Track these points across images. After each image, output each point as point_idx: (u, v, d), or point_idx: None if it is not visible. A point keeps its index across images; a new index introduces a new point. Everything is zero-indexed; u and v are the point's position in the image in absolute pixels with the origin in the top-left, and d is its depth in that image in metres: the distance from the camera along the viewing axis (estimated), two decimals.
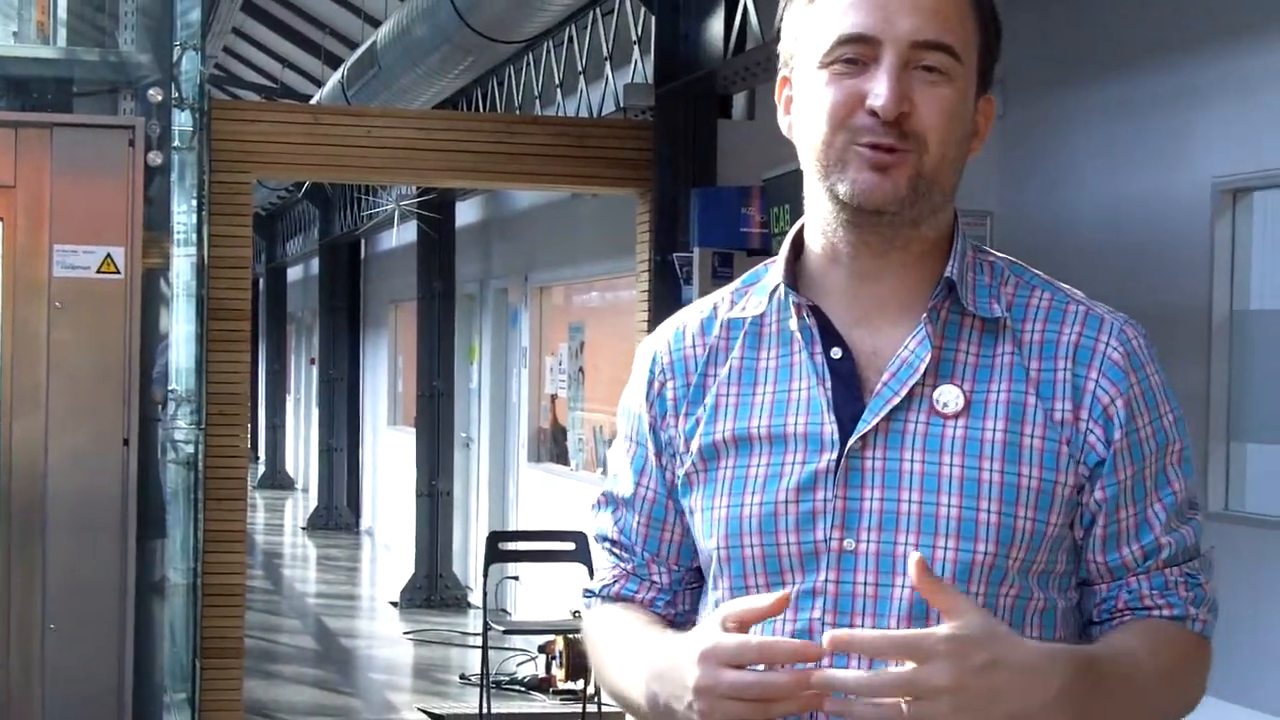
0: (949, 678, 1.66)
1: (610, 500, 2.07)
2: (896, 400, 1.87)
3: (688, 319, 2.05)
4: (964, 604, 1.71)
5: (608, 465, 2.11)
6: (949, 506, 1.85)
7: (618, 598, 2.06)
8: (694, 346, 2.01)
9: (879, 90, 1.84)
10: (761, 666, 1.74)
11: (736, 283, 2.05)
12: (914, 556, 1.72)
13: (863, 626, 1.84)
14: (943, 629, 1.69)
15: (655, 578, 2.04)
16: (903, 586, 1.84)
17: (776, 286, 1.97)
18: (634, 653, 1.92)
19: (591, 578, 2.12)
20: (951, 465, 1.86)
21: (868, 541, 1.86)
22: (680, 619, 2.03)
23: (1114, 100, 5.66)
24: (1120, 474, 1.88)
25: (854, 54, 1.86)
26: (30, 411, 5.38)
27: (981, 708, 1.67)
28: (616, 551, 2.06)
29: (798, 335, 1.93)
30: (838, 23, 1.87)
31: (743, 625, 1.76)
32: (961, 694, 1.67)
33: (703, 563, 2.00)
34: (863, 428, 1.87)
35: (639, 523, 2.04)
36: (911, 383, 1.88)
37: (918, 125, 1.85)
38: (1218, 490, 5.16)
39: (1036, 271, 1.98)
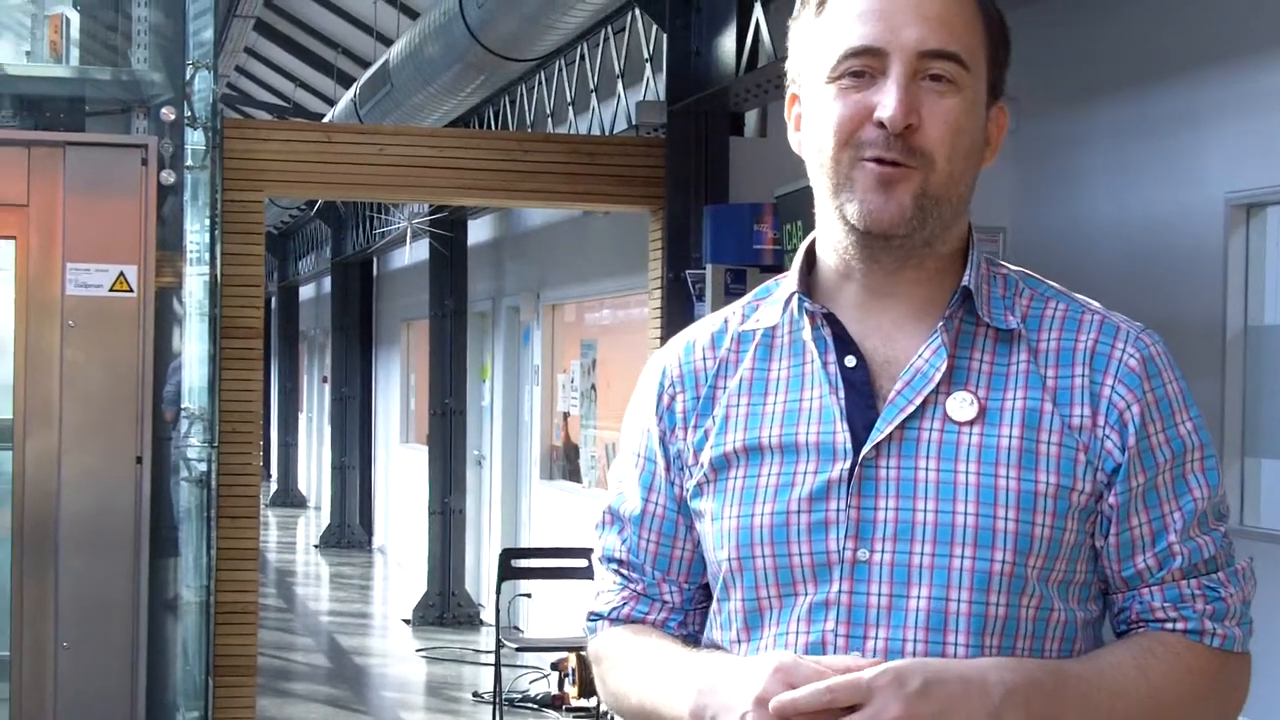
0: (898, 707, 1.70)
1: (616, 519, 2.05)
2: (911, 408, 1.86)
3: (697, 334, 2.04)
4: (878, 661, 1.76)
5: (610, 483, 2.09)
6: (965, 515, 1.83)
7: (628, 620, 2.03)
8: (704, 359, 2.00)
9: (887, 102, 1.83)
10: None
11: (748, 297, 2.05)
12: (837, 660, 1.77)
13: (877, 638, 1.83)
14: (873, 668, 1.73)
15: (666, 597, 2.02)
16: (919, 597, 1.83)
17: (790, 297, 1.96)
18: (674, 668, 1.90)
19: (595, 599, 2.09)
20: (967, 473, 1.84)
21: (882, 552, 1.84)
22: (692, 641, 2.01)
23: (1127, 116, 5.66)
24: (1132, 480, 1.87)
25: (861, 66, 1.86)
26: (43, 429, 5.39)
27: None
28: (625, 572, 2.04)
29: (811, 345, 1.93)
30: (844, 36, 1.87)
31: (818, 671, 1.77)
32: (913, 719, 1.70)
33: (711, 576, 1.98)
34: (876, 436, 1.86)
35: (648, 540, 2.02)
36: (926, 391, 1.87)
37: (924, 141, 1.84)
38: (1232, 506, 5.15)
39: (1051, 283, 1.98)
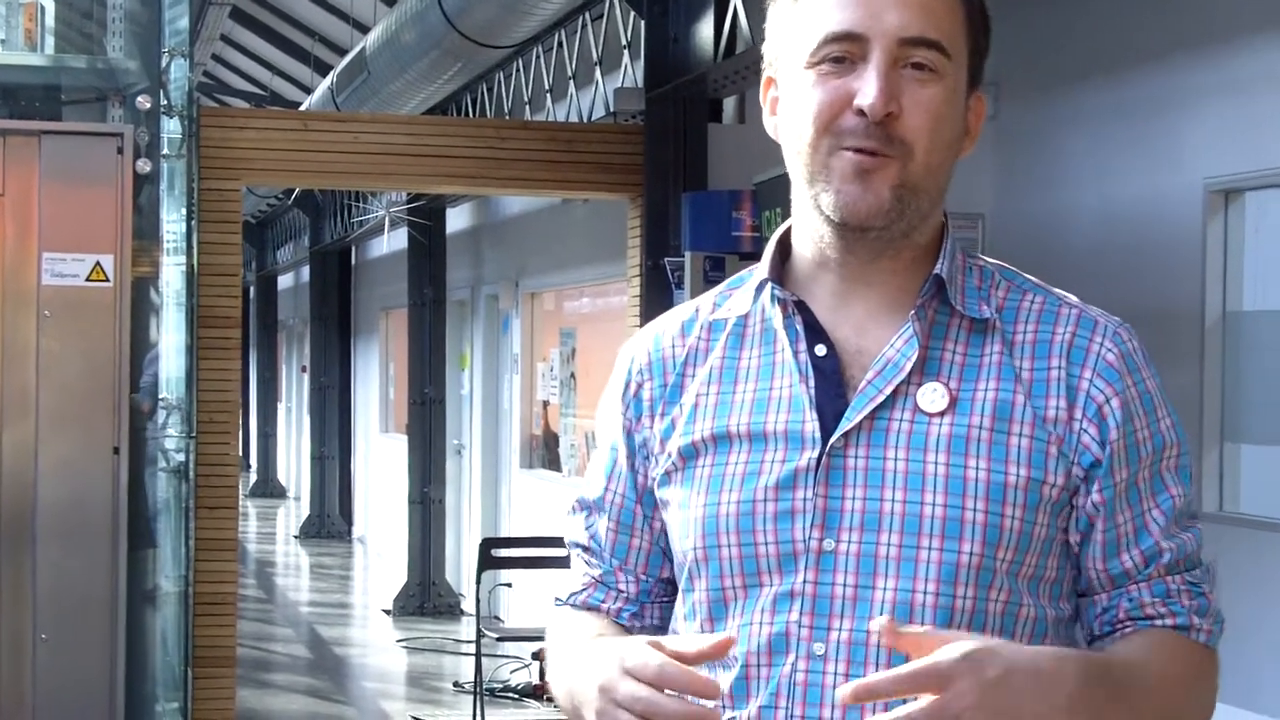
0: (974, 696, 1.63)
1: (583, 505, 2.04)
2: (881, 398, 1.84)
3: (667, 323, 2.02)
4: (953, 634, 1.68)
5: (587, 471, 2.09)
6: (934, 505, 1.81)
7: (585, 606, 2.02)
8: (673, 348, 1.98)
9: (867, 89, 1.80)
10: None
11: (721, 286, 2.02)
12: (880, 622, 1.67)
13: (841, 629, 1.81)
14: (952, 652, 1.65)
15: (622, 586, 2.01)
16: (884, 589, 1.81)
17: (762, 285, 1.94)
18: (573, 658, 1.89)
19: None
20: (936, 463, 1.82)
21: (848, 542, 1.82)
22: (647, 633, 1.98)
23: (1106, 102, 5.66)
24: (1116, 476, 1.85)
25: (841, 52, 1.83)
26: (20, 420, 5.37)
27: (1007, 717, 1.65)
28: (586, 557, 2.04)
29: (782, 333, 1.90)
30: (824, 21, 1.84)
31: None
32: (986, 710, 1.63)
33: (676, 566, 1.96)
34: (845, 425, 1.84)
35: (607, 528, 2.01)
36: (897, 381, 1.84)
37: (904, 131, 1.81)
38: (1212, 492, 5.15)
39: (1028, 276, 1.95)
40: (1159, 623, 1.86)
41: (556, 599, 2.07)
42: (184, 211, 5.68)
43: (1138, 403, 1.86)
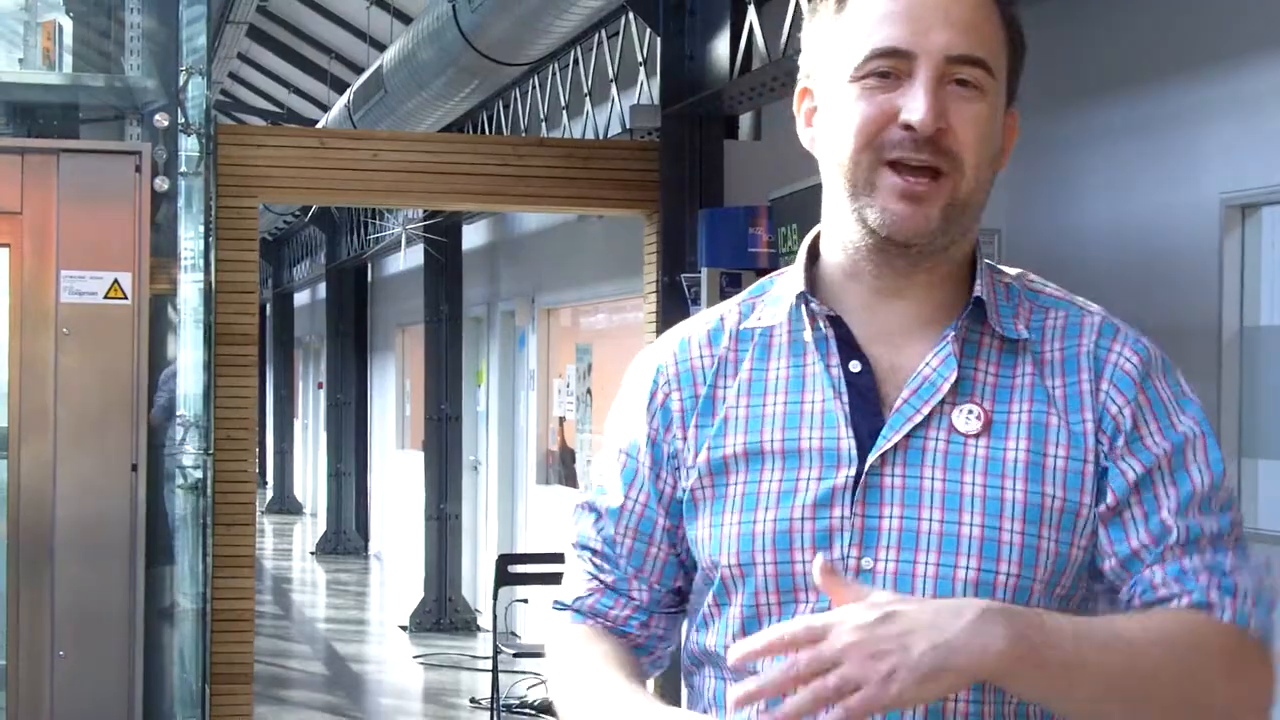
0: (852, 634, 1.61)
1: (593, 509, 2.02)
2: (918, 418, 1.84)
3: (693, 330, 2.01)
4: (865, 590, 1.68)
5: (592, 477, 2.05)
6: (971, 526, 1.81)
7: (592, 611, 2.01)
8: (701, 358, 1.97)
9: (915, 105, 1.80)
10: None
11: (743, 294, 2.01)
12: (818, 562, 1.69)
13: None
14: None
15: (634, 594, 1.99)
16: None
17: (797, 296, 1.93)
18: (606, 697, 1.88)
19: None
20: (974, 484, 1.82)
21: (886, 560, 1.82)
22: (651, 644, 2.00)
23: (1122, 118, 5.65)
24: (1129, 476, 1.83)
25: (887, 68, 1.83)
26: (38, 437, 5.38)
27: (898, 650, 1.61)
28: (597, 562, 2.01)
29: (812, 346, 1.90)
30: (870, 36, 1.84)
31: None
32: (868, 643, 1.61)
33: (701, 580, 1.94)
34: (883, 444, 1.83)
35: (624, 535, 1.99)
36: (934, 401, 1.84)
37: (954, 144, 1.82)
38: None
39: (1048, 288, 1.95)
40: (1174, 604, 1.79)
41: (557, 602, 2.03)
42: (201, 229, 5.70)
43: (1148, 410, 1.85)
